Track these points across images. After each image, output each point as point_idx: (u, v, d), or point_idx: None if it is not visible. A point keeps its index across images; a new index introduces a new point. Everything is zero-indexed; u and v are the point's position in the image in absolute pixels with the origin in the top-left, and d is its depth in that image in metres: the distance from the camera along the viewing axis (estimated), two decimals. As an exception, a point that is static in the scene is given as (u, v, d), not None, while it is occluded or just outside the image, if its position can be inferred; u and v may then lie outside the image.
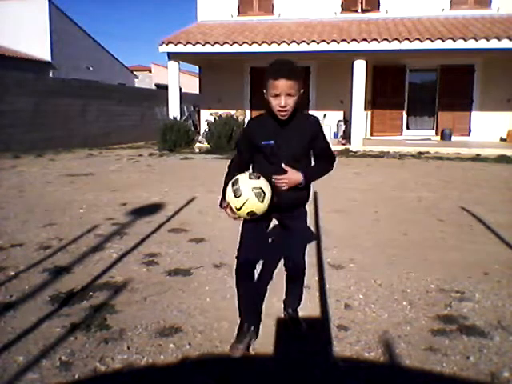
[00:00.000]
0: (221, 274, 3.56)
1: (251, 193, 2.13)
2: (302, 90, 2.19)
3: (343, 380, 2.23)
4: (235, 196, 2.16)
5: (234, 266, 2.43)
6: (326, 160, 2.41)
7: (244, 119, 13.62)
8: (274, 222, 2.52)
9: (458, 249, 4.28)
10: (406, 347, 2.49)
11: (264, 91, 2.18)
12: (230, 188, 2.19)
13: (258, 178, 2.19)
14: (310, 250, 4.12)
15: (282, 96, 2.12)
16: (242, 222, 2.39)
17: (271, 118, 2.24)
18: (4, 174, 8.68)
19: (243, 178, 2.19)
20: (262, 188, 2.15)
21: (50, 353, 2.40)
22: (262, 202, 2.15)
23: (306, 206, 2.49)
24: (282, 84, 2.10)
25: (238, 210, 2.17)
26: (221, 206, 2.32)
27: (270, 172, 2.24)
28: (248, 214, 2.19)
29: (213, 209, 5.88)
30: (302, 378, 2.23)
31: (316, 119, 2.35)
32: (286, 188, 2.24)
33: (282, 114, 2.16)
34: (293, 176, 2.23)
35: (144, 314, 2.87)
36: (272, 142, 2.23)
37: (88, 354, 2.39)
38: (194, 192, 6.90)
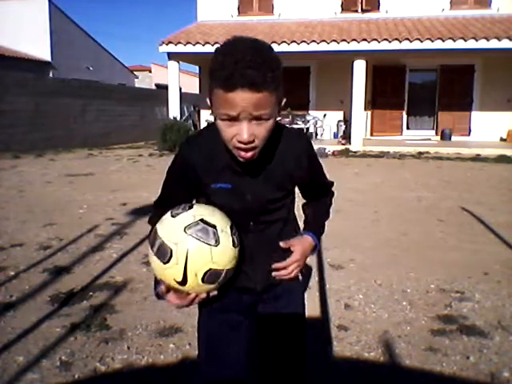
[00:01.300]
0: (221, 274, 3.55)
1: (189, 239, 1.12)
2: (283, 100, 1.18)
3: (343, 380, 2.23)
4: (162, 260, 1.14)
5: None
6: (323, 194, 1.51)
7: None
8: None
9: (458, 249, 4.28)
10: (406, 347, 2.49)
11: (208, 101, 1.17)
12: (150, 253, 1.19)
13: (190, 207, 1.20)
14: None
15: (243, 122, 1.09)
16: (199, 323, 1.54)
17: (224, 146, 1.20)
18: (4, 174, 8.68)
19: (165, 223, 1.19)
20: (205, 220, 1.15)
21: (50, 353, 2.40)
22: (217, 245, 1.14)
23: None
24: (244, 100, 1.06)
25: (183, 283, 1.15)
26: (158, 295, 1.27)
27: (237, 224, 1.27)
28: (205, 283, 1.15)
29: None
30: (302, 378, 2.23)
31: (302, 135, 1.38)
32: (295, 273, 1.35)
33: (245, 155, 1.15)
34: (303, 249, 1.35)
35: (144, 314, 2.87)
36: (229, 185, 1.27)
37: (88, 354, 2.39)
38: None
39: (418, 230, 4.91)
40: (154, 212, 1.41)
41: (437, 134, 14.99)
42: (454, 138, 14.51)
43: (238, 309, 1.38)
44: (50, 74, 19.71)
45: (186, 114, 17.30)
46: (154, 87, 29.02)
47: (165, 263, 1.13)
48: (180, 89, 14.02)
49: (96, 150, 13.62)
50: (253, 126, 1.10)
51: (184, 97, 15.63)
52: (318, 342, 2.55)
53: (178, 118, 13.78)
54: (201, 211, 1.18)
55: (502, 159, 11.18)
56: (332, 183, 1.52)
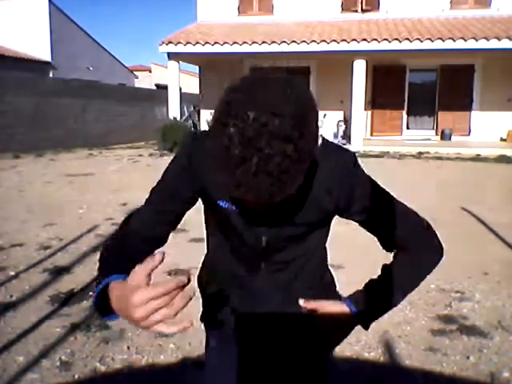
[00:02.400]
0: (221, 274, 3.56)
1: None
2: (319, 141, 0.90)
3: (343, 380, 2.23)
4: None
5: None
6: (418, 246, 1.10)
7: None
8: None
9: (458, 249, 4.27)
10: (406, 347, 2.49)
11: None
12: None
13: None
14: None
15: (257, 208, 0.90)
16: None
17: None
18: (4, 174, 8.68)
19: None
20: None
21: (50, 353, 2.40)
22: None
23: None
24: (260, 205, 0.84)
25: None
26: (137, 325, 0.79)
27: (234, 270, 1.10)
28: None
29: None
30: (302, 378, 2.23)
31: (349, 158, 1.00)
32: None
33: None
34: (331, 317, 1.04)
35: (144, 314, 2.87)
36: (234, 207, 0.97)
37: (88, 354, 2.39)
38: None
39: (417, 230, 4.91)
40: (121, 233, 1.04)
41: (437, 134, 14.98)
42: (453, 138, 14.51)
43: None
44: (50, 74, 19.70)
45: (186, 114, 17.29)
46: (154, 87, 29.02)
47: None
48: (180, 89, 14.02)
49: (96, 150, 13.62)
50: (268, 208, 0.87)
51: (184, 97, 15.63)
52: (317, 342, 2.55)
53: (178, 118, 13.78)
54: None
55: (501, 159, 11.18)
56: (427, 225, 1.08)
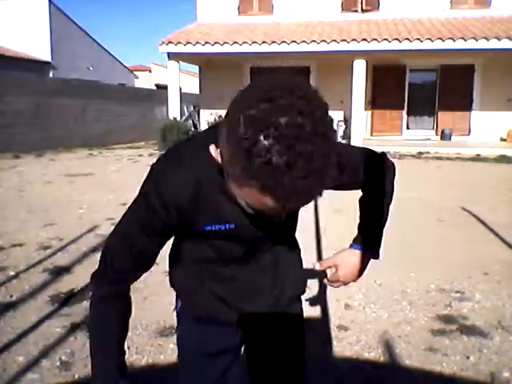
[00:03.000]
0: (221, 274, 3.55)
1: None
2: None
3: (343, 380, 2.23)
4: None
5: None
6: (376, 176, 1.18)
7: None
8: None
9: (457, 249, 4.28)
10: (406, 347, 2.49)
11: (212, 151, 0.85)
12: None
13: None
14: (310, 249, 4.12)
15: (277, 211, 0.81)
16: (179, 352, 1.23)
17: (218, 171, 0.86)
18: (4, 174, 8.68)
19: None
20: None
21: (50, 353, 2.40)
22: None
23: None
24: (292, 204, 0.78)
25: None
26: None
27: (227, 278, 1.10)
28: None
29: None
30: (302, 378, 2.23)
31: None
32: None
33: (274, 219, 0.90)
34: (348, 268, 1.17)
35: (144, 314, 2.87)
36: (232, 225, 0.98)
37: (88, 354, 2.38)
38: (193, 192, 6.90)
39: (418, 230, 4.90)
40: (99, 297, 1.04)
41: (437, 134, 14.98)
42: (453, 138, 14.51)
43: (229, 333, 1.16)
44: (50, 74, 19.70)
45: (186, 114, 17.29)
46: (154, 87, 29.02)
47: None
48: (180, 89, 14.02)
49: (96, 150, 13.62)
50: (285, 213, 0.86)
51: (184, 97, 15.63)
52: (317, 342, 2.54)
53: (178, 118, 13.78)
54: None
55: (501, 159, 11.18)
56: (382, 154, 1.18)
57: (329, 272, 1.15)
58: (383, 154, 1.18)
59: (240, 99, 0.76)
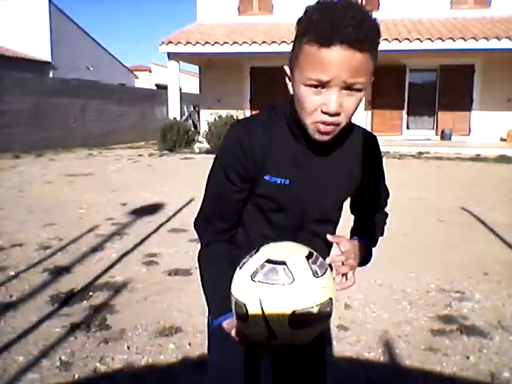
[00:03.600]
0: (221, 274, 3.55)
1: (258, 286, 0.91)
2: (371, 79, 1.03)
3: (343, 380, 2.23)
4: (242, 320, 0.95)
5: None
6: (380, 209, 1.33)
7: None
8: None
9: (457, 249, 4.28)
10: (406, 347, 2.49)
11: (286, 71, 1.02)
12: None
13: (256, 251, 0.96)
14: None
15: (333, 90, 0.92)
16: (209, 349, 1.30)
17: (290, 131, 1.07)
18: (4, 174, 8.68)
19: (235, 278, 0.97)
20: (271, 260, 0.93)
21: (50, 353, 2.40)
22: (292, 282, 0.90)
23: None
24: (341, 60, 0.90)
25: (272, 337, 0.93)
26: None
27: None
28: (297, 329, 0.91)
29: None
30: (302, 377, 2.23)
31: (375, 139, 1.26)
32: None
33: (326, 129, 0.98)
34: (353, 245, 1.15)
35: (144, 314, 2.87)
36: (287, 180, 1.07)
37: (88, 354, 2.39)
38: (193, 192, 6.89)
39: (418, 230, 4.90)
40: (206, 236, 1.16)
41: (437, 134, 14.98)
42: (454, 138, 14.51)
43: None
44: (50, 74, 19.70)
45: (186, 114, 17.31)
46: (154, 87, 29.02)
47: (246, 322, 0.93)
48: (180, 89, 14.02)
49: (96, 150, 13.62)
50: (343, 96, 0.94)
51: (184, 97, 15.63)
52: (317, 342, 2.55)
53: (178, 118, 13.78)
54: (267, 251, 0.95)
55: (501, 159, 11.18)
56: (387, 198, 1.32)
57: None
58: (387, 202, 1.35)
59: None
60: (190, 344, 2.51)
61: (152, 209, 5.79)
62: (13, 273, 3.55)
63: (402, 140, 14.49)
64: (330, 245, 1.20)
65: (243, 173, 1.06)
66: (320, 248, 1.11)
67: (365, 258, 1.20)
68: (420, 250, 4.21)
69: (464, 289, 3.30)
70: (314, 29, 0.92)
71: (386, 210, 1.35)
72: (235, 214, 1.14)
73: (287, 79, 1.01)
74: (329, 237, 1.12)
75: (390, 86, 14.88)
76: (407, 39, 12.17)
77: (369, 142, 1.21)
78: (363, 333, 2.65)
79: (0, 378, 2.18)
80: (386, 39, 12.28)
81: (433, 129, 15.21)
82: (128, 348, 2.46)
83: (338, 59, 0.89)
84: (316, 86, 0.92)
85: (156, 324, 2.73)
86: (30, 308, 2.94)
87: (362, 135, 1.21)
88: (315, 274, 0.93)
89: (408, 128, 15.32)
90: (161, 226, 5.00)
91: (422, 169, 9.78)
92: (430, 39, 12.08)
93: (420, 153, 12.27)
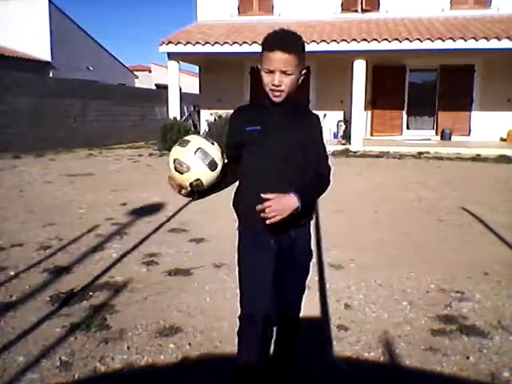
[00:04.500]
0: (221, 274, 3.56)
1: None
2: (303, 71, 1.76)
3: (343, 380, 2.23)
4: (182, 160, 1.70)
5: (238, 326, 1.78)
6: (320, 174, 1.81)
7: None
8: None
9: (458, 249, 4.28)
10: (406, 347, 2.49)
11: (258, 66, 1.77)
12: (177, 147, 1.76)
13: (213, 143, 1.76)
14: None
15: (276, 72, 1.70)
16: (239, 256, 1.85)
17: (262, 104, 1.83)
18: (4, 174, 8.68)
19: (196, 138, 1.79)
20: (213, 159, 1.72)
21: (50, 353, 2.40)
22: (213, 170, 1.72)
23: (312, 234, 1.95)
24: (278, 58, 1.67)
25: (181, 173, 1.70)
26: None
27: (260, 175, 1.78)
28: (191, 184, 1.71)
29: (213, 208, 5.88)
30: (303, 377, 2.23)
31: (318, 116, 1.88)
32: (278, 219, 1.63)
33: (276, 93, 1.73)
34: (283, 200, 1.64)
35: (144, 314, 2.87)
36: (258, 127, 1.77)
37: (88, 354, 2.39)
38: (193, 192, 6.90)
39: (417, 230, 4.91)
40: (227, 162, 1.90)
41: (437, 134, 14.99)
42: (454, 138, 14.51)
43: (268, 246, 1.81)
44: (50, 74, 19.70)
45: (186, 114, 17.29)
46: (154, 87, 29.01)
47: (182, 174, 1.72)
48: (180, 89, 14.02)
49: (96, 150, 13.62)
50: (282, 76, 1.71)
51: (184, 97, 15.63)
52: (317, 342, 2.55)
53: (178, 118, 13.78)
54: (216, 152, 1.76)
55: (501, 159, 11.18)
56: (329, 170, 1.84)
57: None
58: (329, 169, 1.84)
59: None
60: (189, 344, 2.51)
61: (152, 209, 5.79)
62: (13, 273, 3.55)
63: (402, 140, 14.49)
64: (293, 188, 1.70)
65: (237, 127, 1.84)
66: (286, 191, 1.67)
67: (301, 207, 1.68)
68: (420, 250, 4.21)
69: (464, 289, 3.30)
70: (266, 43, 1.71)
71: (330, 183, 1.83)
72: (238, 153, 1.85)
73: (261, 72, 1.75)
74: (262, 195, 1.64)
75: (390, 85, 14.88)
76: (407, 39, 12.17)
77: (313, 115, 1.87)
78: (363, 333, 2.65)
79: (0, 378, 2.18)
80: (386, 39, 12.28)
81: (433, 129, 15.22)
82: (128, 348, 2.46)
83: (276, 58, 1.67)
84: (268, 72, 1.71)
85: (156, 324, 2.73)
86: (30, 308, 2.94)
87: (310, 112, 1.89)
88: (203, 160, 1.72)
89: (408, 128, 15.32)
90: (161, 226, 5.00)
91: (422, 169, 9.78)
92: (430, 39, 12.08)
93: (420, 153, 12.27)
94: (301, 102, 1.92)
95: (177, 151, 1.73)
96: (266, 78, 1.73)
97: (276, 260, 1.81)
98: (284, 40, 1.69)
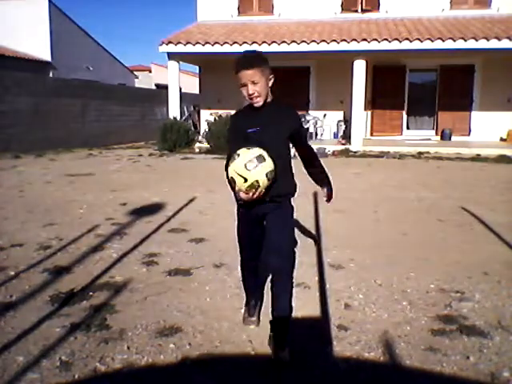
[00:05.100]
0: (221, 274, 3.56)
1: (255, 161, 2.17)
2: (270, 76, 2.31)
3: (343, 380, 2.23)
4: (245, 167, 2.16)
5: (239, 260, 2.70)
6: (314, 153, 2.56)
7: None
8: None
9: (458, 249, 4.28)
10: (406, 347, 2.49)
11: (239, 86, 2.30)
12: (238, 160, 2.20)
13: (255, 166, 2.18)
14: (310, 250, 4.13)
15: (248, 85, 2.24)
16: (237, 225, 2.52)
17: (251, 109, 2.36)
18: (4, 174, 8.68)
19: (242, 151, 2.22)
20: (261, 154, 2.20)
21: (50, 353, 2.40)
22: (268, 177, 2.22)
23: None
24: (245, 74, 2.22)
25: (246, 180, 2.16)
26: (238, 199, 2.32)
27: None
28: (252, 184, 2.17)
29: (213, 208, 5.88)
30: (303, 377, 2.23)
31: (295, 110, 2.45)
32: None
33: (254, 100, 2.28)
34: (328, 192, 2.61)
35: (144, 314, 2.87)
36: (258, 128, 2.30)
37: (88, 354, 2.39)
38: (193, 192, 6.90)
39: (418, 230, 4.91)
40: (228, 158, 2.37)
41: (437, 134, 14.99)
42: (453, 138, 14.52)
43: (257, 221, 2.45)
44: (50, 74, 19.70)
45: (186, 114, 17.30)
46: (154, 87, 29.01)
47: (245, 169, 2.19)
48: (180, 89, 14.02)
49: (96, 150, 13.62)
50: (252, 86, 2.25)
51: (184, 97, 15.63)
52: (317, 342, 2.55)
53: (178, 118, 13.78)
54: (261, 151, 2.23)
55: (501, 159, 11.18)
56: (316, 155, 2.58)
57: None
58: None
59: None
60: (190, 344, 2.51)
61: (152, 209, 5.79)
62: (13, 273, 3.55)
63: (402, 140, 14.49)
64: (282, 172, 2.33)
65: (237, 131, 2.39)
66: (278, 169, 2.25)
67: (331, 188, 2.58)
68: (420, 250, 4.21)
69: (464, 289, 3.30)
70: (235, 67, 2.24)
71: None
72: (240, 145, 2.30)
73: (240, 89, 2.29)
74: (325, 199, 2.63)
75: (390, 85, 14.89)
76: (407, 39, 12.18)
77: (291, 110, 2.42)
78: (363, 333, 2.65)
79: (0, 378, 2.18)
80: (385, 39, 12.29)
81: (433, 129, 15.22)
82: (128, 348, 2.46)
83: (244, 75, 2.23)
84: (243, 86, 2.26)
85: (156, 324, 2.73)
86: (30, 308, 2.94)
87: (288, 108, 2.42)
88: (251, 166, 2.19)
89: (408, 128, 15.33)
90: (161, 226, 5.00)
91: (422, 169, 9.79)
92: (430, 39, 12.08)
93: (420, 153, 12.27)
94: (283, 102, 2.46)
95: (239, 162, 2.21)
96: (244, 91, 2.28)
97: (261, 220, 2.41)
98: (245, 61, 2.24)
